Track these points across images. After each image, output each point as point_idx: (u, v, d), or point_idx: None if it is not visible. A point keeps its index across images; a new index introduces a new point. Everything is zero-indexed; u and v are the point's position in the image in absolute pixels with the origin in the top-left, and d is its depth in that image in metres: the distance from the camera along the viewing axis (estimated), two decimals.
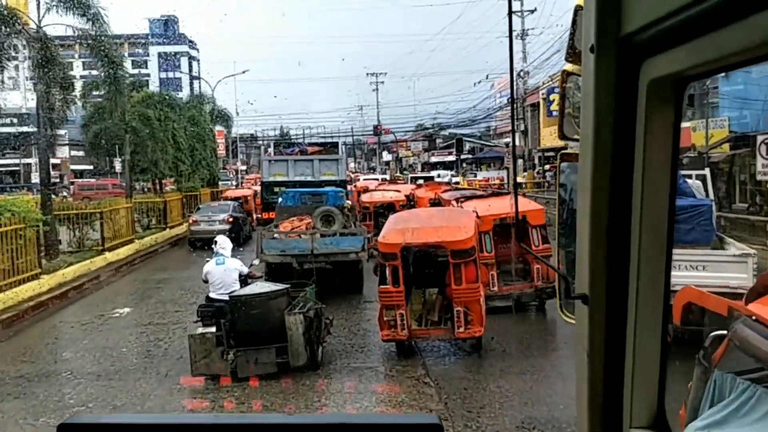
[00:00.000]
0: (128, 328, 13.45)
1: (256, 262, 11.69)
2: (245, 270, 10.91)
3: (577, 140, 1.36)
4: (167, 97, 29.14)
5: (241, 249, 23.54)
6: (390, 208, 22.70)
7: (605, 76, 1.21)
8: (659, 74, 1.15)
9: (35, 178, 76.80)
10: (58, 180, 77.11)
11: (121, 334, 12.87)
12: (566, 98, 1.64)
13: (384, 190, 25.58)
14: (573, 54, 1.46)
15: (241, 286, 10.77)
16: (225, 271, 10.63)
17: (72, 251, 20.71)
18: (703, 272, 9.97)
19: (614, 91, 1.21)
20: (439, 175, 51.86)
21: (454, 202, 15.60)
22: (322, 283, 16.15)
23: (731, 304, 3.69)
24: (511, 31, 1.82)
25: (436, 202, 22.03)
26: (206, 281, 10.84)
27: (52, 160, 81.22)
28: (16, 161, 74.47)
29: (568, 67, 1.57)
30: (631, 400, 1.33)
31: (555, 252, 2.03)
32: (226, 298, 10.21)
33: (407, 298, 10.71)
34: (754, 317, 3.10)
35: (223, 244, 10.84)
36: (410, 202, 23.41)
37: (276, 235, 16.09)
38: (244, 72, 64.91)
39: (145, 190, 36.04)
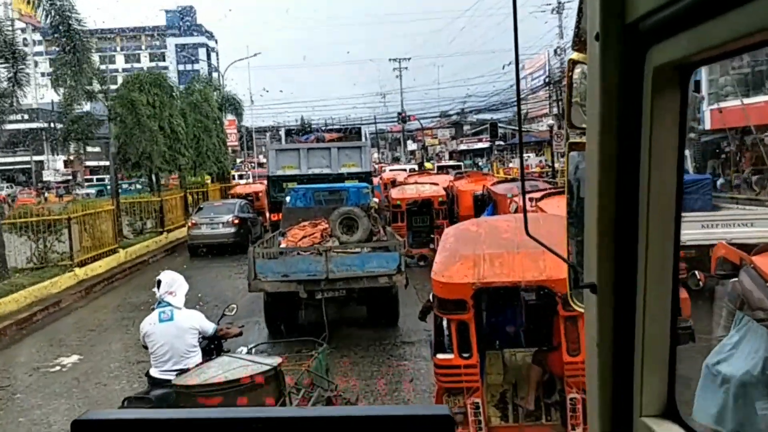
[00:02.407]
0: (59, 397, 9.23)
1: (233, 309, 7.37)
2: (210, 327, 6.60)
3: (584, 129, 1.36)
4: (159, 79, 24.79)
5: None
6: (427, 205, 18.34)
7: (610, 64, 1.21)
8: (665, 61, 1.14)
9: (47, 175, 73.78)
10: (70, 178, 74.01)
11: (42, 411, 8.66)
12: (573, 87, 1.59)
13: (417, 183, 21.11)
14: (579, 42, 1.46)
15: (207, 356, 6.52)
16: (174, 333, 6.34)
17: (32, 269, 16.61)
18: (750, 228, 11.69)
19: (620, 79, 1.21)
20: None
21: (527, 203, 11.15)
22: (338, 312, 11.90)
23: (742, 255, 4.25)
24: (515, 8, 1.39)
25: (483, 198, 17.62)
26: (146, 347, 6.57)
27: (64, 157, 77.88)
28: (27, 159, 71.37)
29: (575, 55, 1.54)
30: (641, 389, 1.30)
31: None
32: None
33: (482, 369, 6.34)
34: (752, 266, 3.53)
35: (171, 284, 6.51)
36: (449, 198, 19.00)
37: (278, 250, 11.83)
38: (255, 55, 60.65)
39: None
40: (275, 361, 5.87)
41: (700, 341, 8.13)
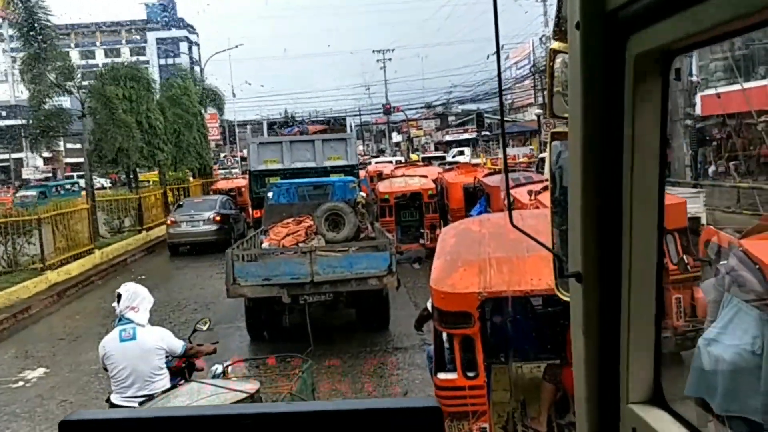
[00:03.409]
0: (18, 419, 8.45)
1: (206, 322, 6.55)
2: (179, 346, 5.81)
3: (567, 118, 1.37)
4: (135, 72, 23.79)
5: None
6: (416, 199, 17.60)
7: (591, 53, 1.21)
8: (646, 48, 1.15)
9: (26, 173, 72.32)
10: (50, 175, 72.67)
11: None
12: (555, 77, 1.59)
13: (405, 175, 20.35)
14: (560, 31, 1.44)
15: (175, 380, 5.76)
16: (137, 354, 5.56)
17: (0, 273, 15.70)
18: None
19: (601, 68, 1.21)
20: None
21: (525, 197, 10.37)
22: (325, 315, 11.13)
23: (731, 238, 4.02)
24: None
25: (475, 190, 16.90)
26: (107, 369, 5.79)
27: (45, 154, 76.81)
28: (6, 156, 70.00)
29: (555, 45, 1.54)
30: (628, 376, 1.31)
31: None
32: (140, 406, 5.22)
33: (488, 386, 5.59)
34: (742, 249, 3.46)
35: (133, 298, 5.70)
36: (438, 191, 18.24)
37: (259, 252, 11.05)
38: (237, 47, 59.41)
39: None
40: (251, 386, 5.11)
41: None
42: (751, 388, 3.38)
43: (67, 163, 75.37)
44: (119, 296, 5.70)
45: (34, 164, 73.93)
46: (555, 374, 5.76)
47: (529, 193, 10.10)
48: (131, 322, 5.60)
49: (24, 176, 69.20)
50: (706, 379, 3.49)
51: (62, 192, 33.90)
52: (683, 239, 8.27)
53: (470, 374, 5.23)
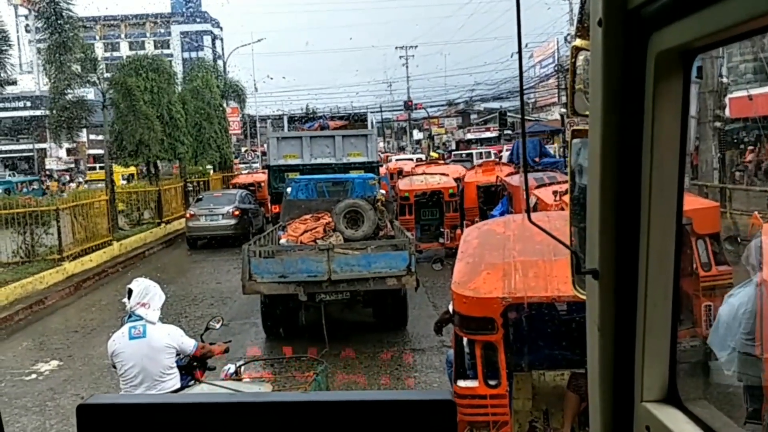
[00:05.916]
0: (29, 413, 8.31)
1: (219, 321, 6.36)
2: (190, 345, 5.62)
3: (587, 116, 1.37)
4: (158, 63, 23.72)
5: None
6: (436, 197, 17.35)
7: (613, 50, 1.21)
8: (667, 46, 1.14)
9: (50, 163, 72.86)
10: (73, 165, 73.28)
11: (7, 431, 7.72)
12: (576, 74, 1.55)
13: (426, 173, 20.08)
14: (582, 29, 1.43)
15: (186, 380, 5.58)
16: (146, 352, 5.38)
17: (18, 263, 15.68)
18: None
19: (622, 65, 1.21)
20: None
21: (549, 197, 10.08)
22: (341, 314, 10.95)
23: (765, 225, 4.71)
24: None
25: (496, 190, 16.61)
26: (115, 367, 5.62)
27: (66, 144, 77.41)
28: (30, 146, 70.61)
29: (578, 42, 1.50)
30: (642, 374, 1.31)
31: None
32: None
33: (510, 394, 5.34)
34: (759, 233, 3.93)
35: (144, 294, 5.53)
36: (460, 190, 17.95)
37: (275, 248, 10.87)
38: (259, 41, 59.46)
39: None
40: (264, 389, 4.90)
41: None
42: (734, 327, 4.18)
43: (89, 155, 75.92)
44: (130, 292, 5.54)
45: (57, 155, 74.52)
46: (580, 384, 5.50)
47: (554, 193, 9.80)
48: (141, 318, 5.43)
49: (47, 166, 69.80)
50: (718, 325, 4.30)
51: (24, 190, 32.72)
52: (714, 245, 7.97)
53: (492, 382, 5.00)
